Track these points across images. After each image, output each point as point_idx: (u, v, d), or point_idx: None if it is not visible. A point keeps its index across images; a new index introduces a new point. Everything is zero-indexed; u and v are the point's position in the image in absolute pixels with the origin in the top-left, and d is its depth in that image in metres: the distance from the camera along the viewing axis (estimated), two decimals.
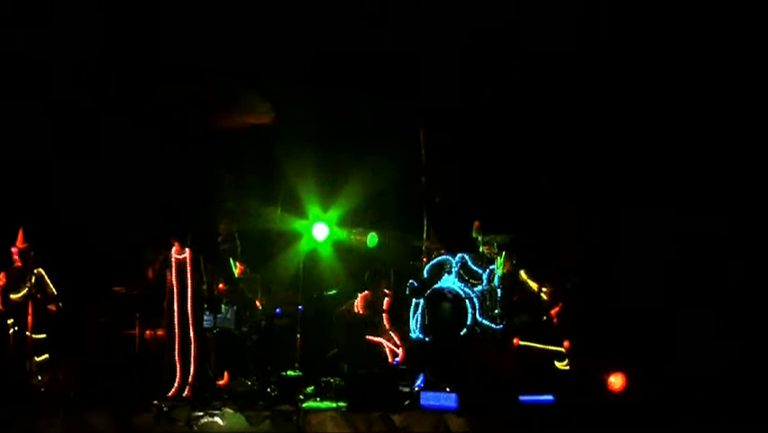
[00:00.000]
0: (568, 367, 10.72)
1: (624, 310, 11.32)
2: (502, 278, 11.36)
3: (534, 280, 11.36)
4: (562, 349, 10.74)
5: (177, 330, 10.97)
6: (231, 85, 13.37)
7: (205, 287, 11.16)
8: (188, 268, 11.08)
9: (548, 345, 10.90)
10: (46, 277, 11.65)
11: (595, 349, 10.72)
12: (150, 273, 11.21)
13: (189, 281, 11.06)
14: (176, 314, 11.00)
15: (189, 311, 11.02)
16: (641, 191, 12.30)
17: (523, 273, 11.42)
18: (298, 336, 12.63)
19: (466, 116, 13.52)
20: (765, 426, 9.60)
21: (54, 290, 11.70)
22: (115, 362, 11.57)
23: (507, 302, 11.32)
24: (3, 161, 12.87)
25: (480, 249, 11.74)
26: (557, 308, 11.03)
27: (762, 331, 11.23)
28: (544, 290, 11.23)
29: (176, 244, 11.17)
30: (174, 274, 11.07)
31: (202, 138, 13.78)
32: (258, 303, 12.41)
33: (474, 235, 11.77)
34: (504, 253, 11.59)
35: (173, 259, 11.13)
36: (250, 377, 11.75)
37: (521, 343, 11.00)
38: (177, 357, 10.91)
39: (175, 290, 11.04)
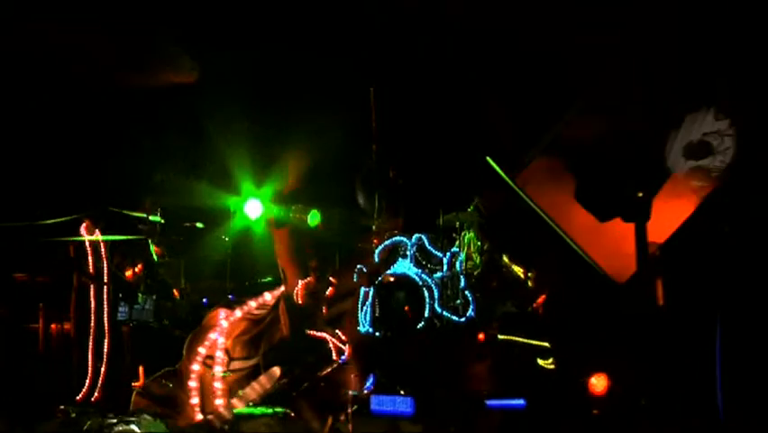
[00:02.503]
0: (552, 366, 10.61)
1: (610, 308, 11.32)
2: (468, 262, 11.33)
3: (518, 264, 11.33)
4: (547, 345, 10.65)
5: (88, 323, 10.89)
6: (147, 35, 13.04)
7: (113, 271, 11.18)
8: (102, 250, 11.02)
9: (531, 339, 10.82)
10: None
11: (575, 348, 10.74)
12: (59, 257, 11.12)
13: (105, 266, 11.01)
14: (92, 305, 10.91)
15: (105, 301, 10.96)
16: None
17: (505, 257, 11.40)
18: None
19: (425, 71, 13.45)
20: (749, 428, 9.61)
21: None
22: (15, 360, 11.27)
23: (478, 290, 11.25)
24: None
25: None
26: (543, 297, 11.00)
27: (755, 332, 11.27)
28: (530, 275, 11.19)
29: (86, 221, 11.05)
30: (82, 257, 10.96)
31: (114, 98, 13.40)
32: (176, 293, 12.29)
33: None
34: (466, 234, 11.61)
35: (83, 239, 10.96)
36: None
37: (501, 337, 10.90)
38: (90, 355, 10.84)
39: (85, 277, 10.96)
